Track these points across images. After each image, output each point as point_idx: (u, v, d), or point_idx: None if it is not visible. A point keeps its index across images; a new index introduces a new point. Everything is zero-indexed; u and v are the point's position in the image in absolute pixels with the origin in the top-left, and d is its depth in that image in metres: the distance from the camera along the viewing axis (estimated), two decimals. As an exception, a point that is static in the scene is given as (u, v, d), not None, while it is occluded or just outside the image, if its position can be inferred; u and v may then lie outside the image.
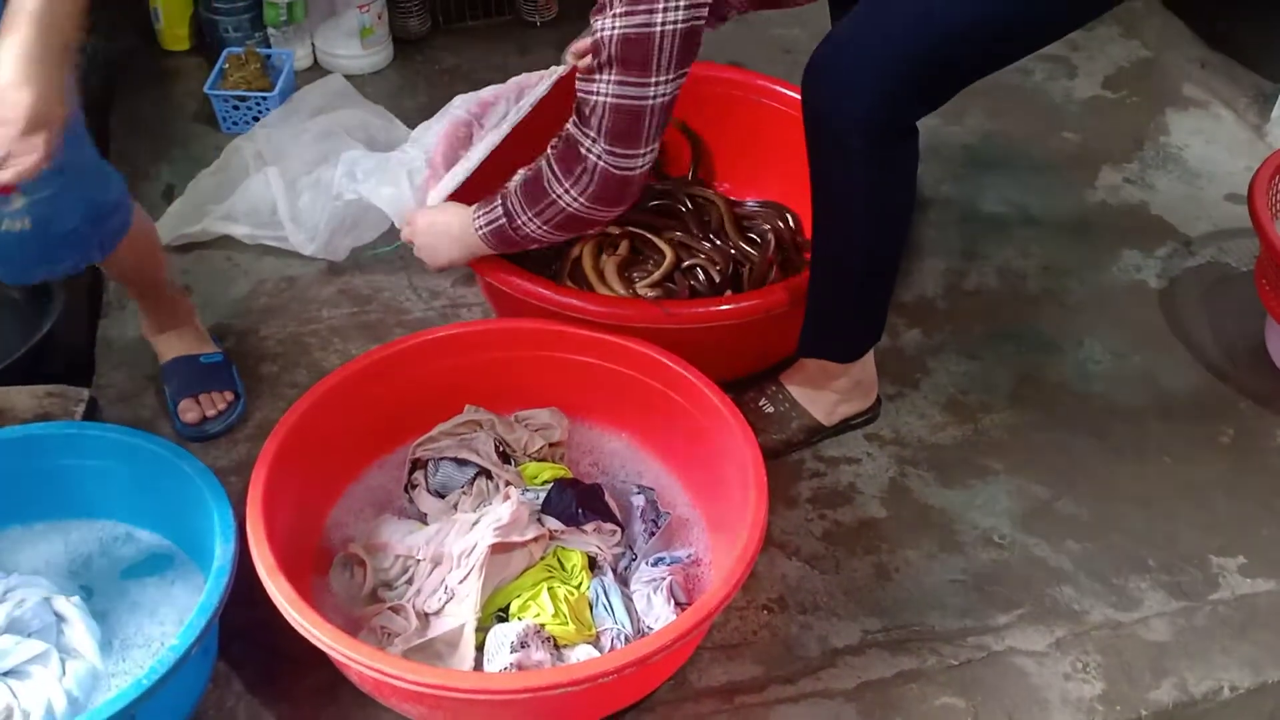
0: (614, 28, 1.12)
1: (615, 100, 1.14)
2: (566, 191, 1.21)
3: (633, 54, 1.12)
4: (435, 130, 1.54)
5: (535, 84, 1.50)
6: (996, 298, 1.66)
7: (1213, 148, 1.95)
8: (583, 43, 1.52)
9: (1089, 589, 1.28)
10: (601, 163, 1.18)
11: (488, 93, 1.54)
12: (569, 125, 1.21)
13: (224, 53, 1.94)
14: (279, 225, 1.65)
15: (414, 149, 1.57)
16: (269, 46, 2.02)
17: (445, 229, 1.35)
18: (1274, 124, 1.95)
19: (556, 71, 1.50)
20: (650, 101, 1.15)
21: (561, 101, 1.46)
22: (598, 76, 1.15)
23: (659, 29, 1.11)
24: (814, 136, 1.22)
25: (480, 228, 1.31)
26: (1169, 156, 1.93)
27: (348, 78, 2.05)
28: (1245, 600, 1.28)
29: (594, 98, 1.16)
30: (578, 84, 1.19)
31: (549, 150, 1.24)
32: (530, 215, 1.25)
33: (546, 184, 1.23)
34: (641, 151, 1.18)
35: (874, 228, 1.25)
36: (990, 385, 1.53)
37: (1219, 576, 1.30)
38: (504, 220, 1.28)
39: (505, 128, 1.45)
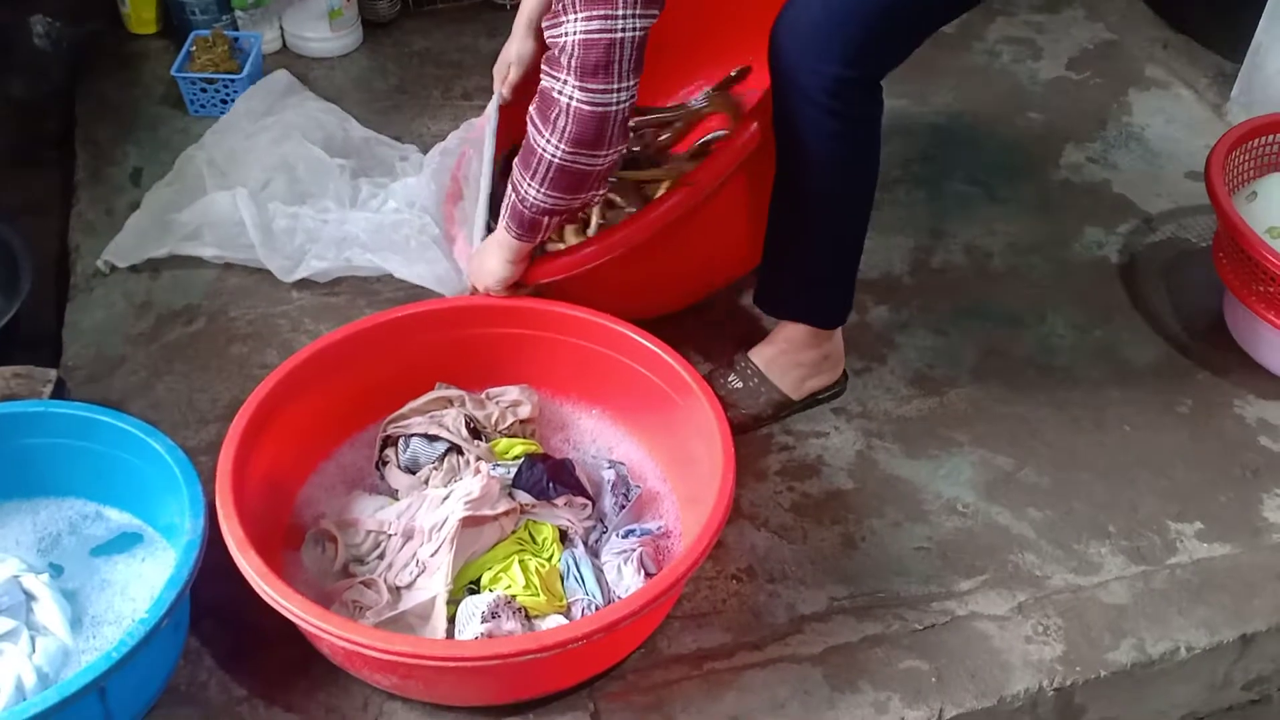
0: None
1: (583, 36, 1.15)
2: (548, 141, 1.20)
3: None
4: (429, 189, 1.62)
5: (487, 121, 1.56)
6: (963, 274, 1.69)
7: (1173, 127, 1.98)
8: (514, 76, 1.56)
9: (1050, 555, 1.31)
10: (574, 102, 1.17)
11: (453, 144, 1.66)
12: (542, 78, 1.21)
13: (191, 35, 1.93)
14: (249, 247, 1.61)
15: (408, 211, 1.60)
16: (236, 29, 2.01)
17: (485, 244, 1.37)
18: (1233, 103, 1.98)
19: (495, 102, 1.56)
20: (618, 34, 1.15)
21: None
22: (564, 18, 1.16)
23: None
24: (782, 94, 1.24)
25: (504, 217, 1.31)
26: (1131, 135, 1.96)
27: (317, 60, 2.05)
28: (1202, 564, 1.31)
29: (563, 38, 1.16)
30: (545, 33, 1.19)
31: (530, 109, 1.24)
32: (528, 180, 1.25)
33: (532, 140, 1.22)
34: (615, 86, 1.17)
35: (843, 185, 1.29)
36: (956, 359, 1.55)
37: (1177, 542, 1.33)
38: (514, 198, 1.28)
39: (486, 171, 1.49)
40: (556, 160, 1.21)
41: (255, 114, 1.82)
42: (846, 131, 1.25)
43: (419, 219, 1.60)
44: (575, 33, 1.15)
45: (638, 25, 1.17)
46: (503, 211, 1.33)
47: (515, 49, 1.56)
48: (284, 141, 1.75)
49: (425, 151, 1.78)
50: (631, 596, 1.07)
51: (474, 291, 1.41)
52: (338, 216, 1.63)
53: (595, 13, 1.14)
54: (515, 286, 1.37)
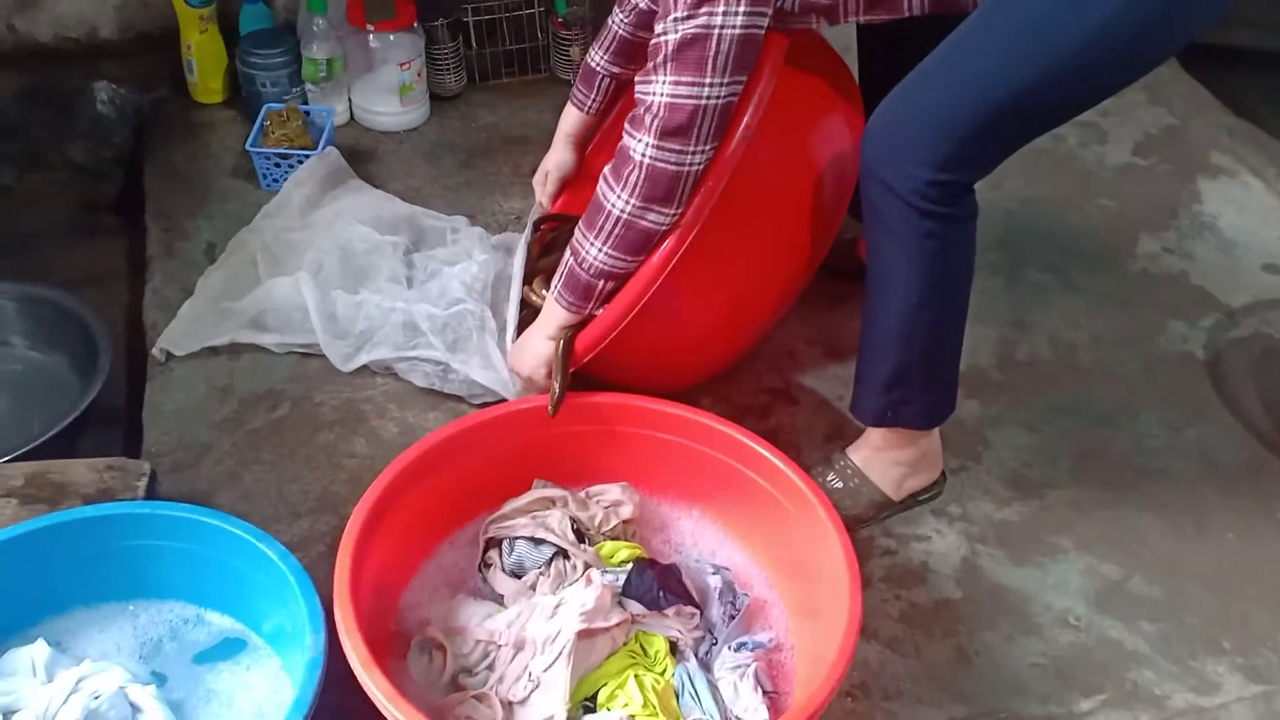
0: (675, 30, 1.16)
1: (669, 99, 1.18)
2: (619, 196, 1.23)
3: (688, 54, 1.16)
4: (480, 282, 1.62)
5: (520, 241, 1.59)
6: (1050, 369, 1.67)
7: (1245, 216, 1.98)
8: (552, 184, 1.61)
9: (1168, 672, 1.28)
10: (647, 159, 1.20)
11: (494, 242, 1.72)
12: (624, 136, 1.23)
13: (264, 108, 1.92)
14: (310, 332, 1.57)
15: (470, 301, 1.58)
16: (305, 102, 2.00)
17: (529, 331, 1.37)
18: (1305, 195, 1.99)
19: (535, 211, 1.62)
20: (704, 101, 1.18)
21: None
22: (654, 78, 1.19)
23: (717, 31, 1.15)
24: (875, 199, 1.25)
25: (555, 285, 1.32)
26: (1204, 225, 1.96)
27: (385, 134, 2.04)
28: (1321, 684, 1.29)
29: (649, 98, 1.20)
30: (636, 87, 1.22)
31: (604, 169, 1.26)
32: (592, 239, 1.26)
33: (602, 197, 1.25)
34: (692, 149, 1.20)
35: (939, 285, 1.28)
36: (1052, 459, 1.53)
37: (1293, 659, 1.31)
38: (571, 261, 1.29)
39: (517, 280, 1.51)
40: (625, 215, 1.23)
41: (306, 196, 1.79)
42: (941, 230, 1.24)
43: (479, 310, 1.57)
44: (663, 94, 1.19)
45: (723, 94, 1.20)
46: (554, 283, 1.33)
47: (555, 159, 1.61)
48: (334, 223, 1.73)
49: (476, 224, 1.78)
50: (770, 727, 1.04)
51: (521, 385, 1.41)
52: (403, 305, 1.59)
53: (684, 78, 1.18)
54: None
